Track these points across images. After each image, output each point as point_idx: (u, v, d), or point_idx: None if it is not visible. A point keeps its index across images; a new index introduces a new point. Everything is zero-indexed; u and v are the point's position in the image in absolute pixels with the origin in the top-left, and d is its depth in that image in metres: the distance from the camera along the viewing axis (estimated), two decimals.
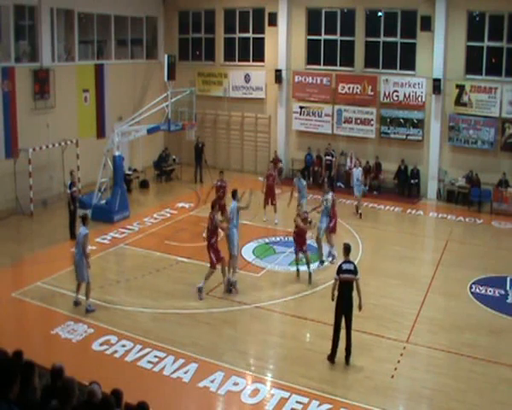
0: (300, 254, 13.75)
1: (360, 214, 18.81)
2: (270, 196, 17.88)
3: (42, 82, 19.15)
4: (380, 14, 22.02)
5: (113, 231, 16.86)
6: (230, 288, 12.89)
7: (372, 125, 22.06)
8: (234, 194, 13.34)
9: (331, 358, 10.10)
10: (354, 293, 10.03)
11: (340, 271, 9.98)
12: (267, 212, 17.96)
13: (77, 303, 12.02)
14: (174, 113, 21.06)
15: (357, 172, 19.10)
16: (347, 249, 10.27)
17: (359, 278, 10.00)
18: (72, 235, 16.12)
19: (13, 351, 5.83)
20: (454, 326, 11.59)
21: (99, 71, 21.95)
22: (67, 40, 21.22)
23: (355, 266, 10.09)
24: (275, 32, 23.65)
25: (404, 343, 10.82)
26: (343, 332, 10.08)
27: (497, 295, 13.12)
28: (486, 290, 13.33)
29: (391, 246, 16.41)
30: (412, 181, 21.56)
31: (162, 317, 11.76)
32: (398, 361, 10.19)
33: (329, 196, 14.92)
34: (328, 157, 21.69)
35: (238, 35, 24.76)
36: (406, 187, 21.68)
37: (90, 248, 15.47)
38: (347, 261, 10.11)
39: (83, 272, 11.82)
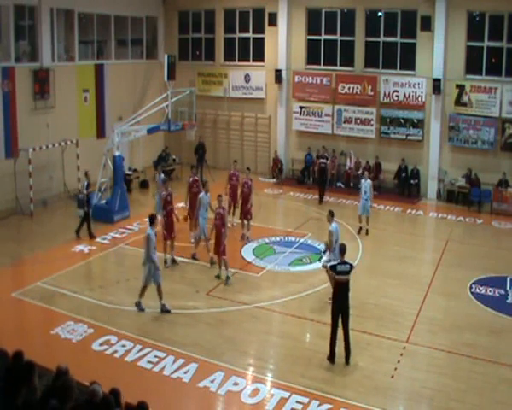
0: None
1: (367, 231, 17.09)
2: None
3: (42, 82, 19.15)
4: (380, 14, 22.02)
5: (113, 231, 16.85)
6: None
7: (372, 125, 22.06)
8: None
9: (331, 358, 10.11)
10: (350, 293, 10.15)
11: (334, 272, 10.09)
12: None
13: (163, 310, 11.85)
14: (174, 113, 21.06)
15: (366, 185, 16.89)
16: (343, 250, 10.32)
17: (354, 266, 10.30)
18: (91, 235, 16.24)
19: (13, 352, 5.82)
20: (454, 326, 11.59)
21: (99, 71, 21.95)
22: (67, 40, 21.22)
23: (351, 265, 10.19)
24: (275, 32, 23.65)
25: (404, 343, 10.82)
26: (341, 333, 10.10)
27: (497, 295, 13.13)
28: (486, 290, 13.33)
29: (391, 246, 16.40)
30: (412, 181, 21.55)
31: (162, 317, 11.76)
32: (398, 361, 10.19)
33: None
34: (322, 160, 20.91)
35: (238, 35, 24.75)
36: (406, 187, 21.68)
37: (89, 248, 15.52)
38: (343, 262, 10.18)
39: (149, 274, 11.70)
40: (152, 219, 11.88)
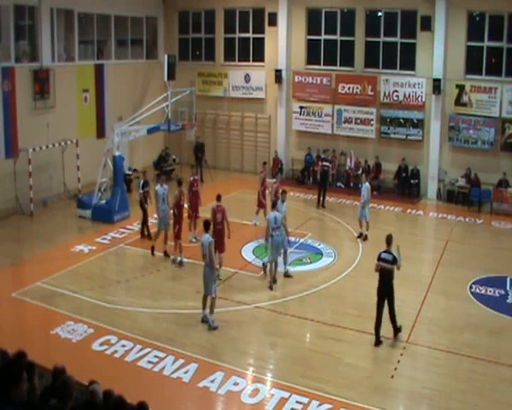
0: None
1: (365, 236, 16.64)
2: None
3: (42, 82, 19.14)
4: (380, 14, 22.02)
5: (113, 231, 16.86)
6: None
7: (372, 125, 22.06)
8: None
9: (377, 343, 10.61)
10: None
11: (378, 258, 10.79)
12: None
13: (204, 320, 11.38)
14: (174, 113, 21.06)
15: (364, 189, 16.55)
16: (388, 240, 10.88)
17: (399, 264, 10.64)
18: (148, 235, 16.18)
19: (16, 352, 5.81)
20: (454, 326, 11.60)
21: (99, 71, 21.93)
22: (67, 40, 21.22)
23: (394, 257, 10.62)
24: (275, 32, 23.64)
25: (404, 343, 10.82)
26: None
27: (497, 295, 13.12)
28: (486, 290, 13.33)
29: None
30: (412, 181, 21.54)
31: (162, 317, 11.76)
32: (398, 361, 10.19)
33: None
34: (325, 163, 20.37)
35: (238, 35, 24.75)
36: (406, 187, 21.67)
37: (89, 248, 15.53)
38: (386, 251, 10.74)
39: (209, 284, 11.15)
40: (206, 225, 11.47)
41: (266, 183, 17.68)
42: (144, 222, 16.43)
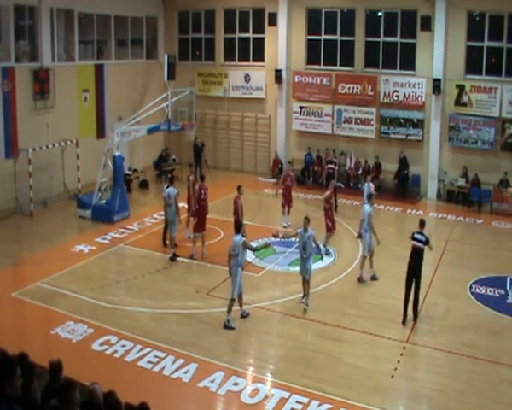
0: None
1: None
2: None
3: (42, 82, 19.14)
4: (380, 14, 22.02)
5: (113, 231, 16.86)
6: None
7: (372, 125, 22.06)
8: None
9: (403, 321, 11.44)
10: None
11: (412, 237, 11.67)
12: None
13: (243, 315, 11.72)
14: (174, 113, 21.06)
15: (368, 189, 16.61)
16: (422, 223, 11.77)
17: (432, 246, 11.64)
18: (164, 243, 15.68)
19: (18, 353, 5.80)
20: (454, 326, 11.60)
21: (99, 71, 21.92)
22: (67, 40, 21.22)
23: (426, 238, 11.49)
24: (275, 32, 23.65)
25: (404, 343, 10.83)
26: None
27: (497, 295, 13.13)
28: (486, 290, 13.34)
29: (391, 246, 16.37)
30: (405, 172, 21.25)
31: (162, 317, 11.76)
32: (398, 361, 10.19)
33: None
34: (330, 165, 20.37)
35: (238, 35, 24.75)
36: (406, 187, 21.63)
37: (89, 248, 15.53)
38: (419, 232, 11.62)
39: (235, 285, 11.32)
40: (237, 226, 11.65)
41: (293, 182, 17.88)
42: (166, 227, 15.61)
